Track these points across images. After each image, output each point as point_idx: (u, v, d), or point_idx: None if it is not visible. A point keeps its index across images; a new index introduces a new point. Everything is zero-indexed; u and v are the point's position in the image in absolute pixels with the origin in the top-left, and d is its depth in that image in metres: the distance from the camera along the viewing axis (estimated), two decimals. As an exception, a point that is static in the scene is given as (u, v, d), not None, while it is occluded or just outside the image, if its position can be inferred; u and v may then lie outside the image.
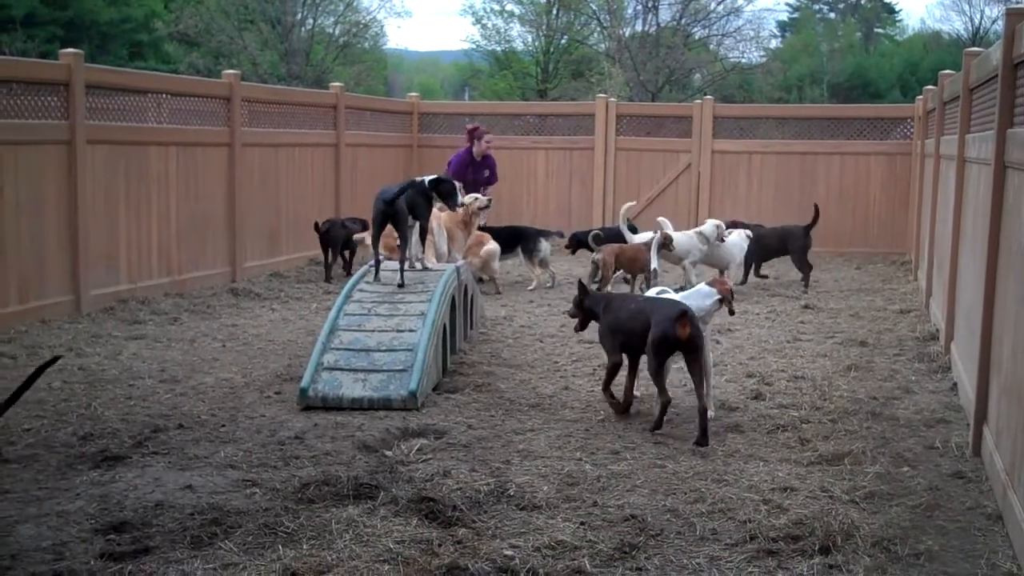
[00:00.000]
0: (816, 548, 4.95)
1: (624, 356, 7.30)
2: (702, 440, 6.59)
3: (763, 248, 13.58)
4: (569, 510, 5.45)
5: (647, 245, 11.80)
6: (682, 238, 12.51)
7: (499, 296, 12.53)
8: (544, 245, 13.33)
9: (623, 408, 7.33)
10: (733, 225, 13.31)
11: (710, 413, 7.23)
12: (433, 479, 5.86)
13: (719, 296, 7.20)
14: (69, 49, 10.94)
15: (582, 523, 5.27)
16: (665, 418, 6.99)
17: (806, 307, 12.03)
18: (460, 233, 12.04)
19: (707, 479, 5.95)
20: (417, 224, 9.27)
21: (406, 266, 8.94)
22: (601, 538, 5.07)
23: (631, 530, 5.18)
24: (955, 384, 8.17)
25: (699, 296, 7.24)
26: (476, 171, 14.29)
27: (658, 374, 6.87)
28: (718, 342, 9.77)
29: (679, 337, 6.63)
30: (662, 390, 6.88)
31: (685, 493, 5.72)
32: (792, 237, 13.64)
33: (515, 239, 13.46)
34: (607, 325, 7.31)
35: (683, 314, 6.65)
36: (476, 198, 12.21)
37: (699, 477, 5.99)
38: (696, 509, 5.48)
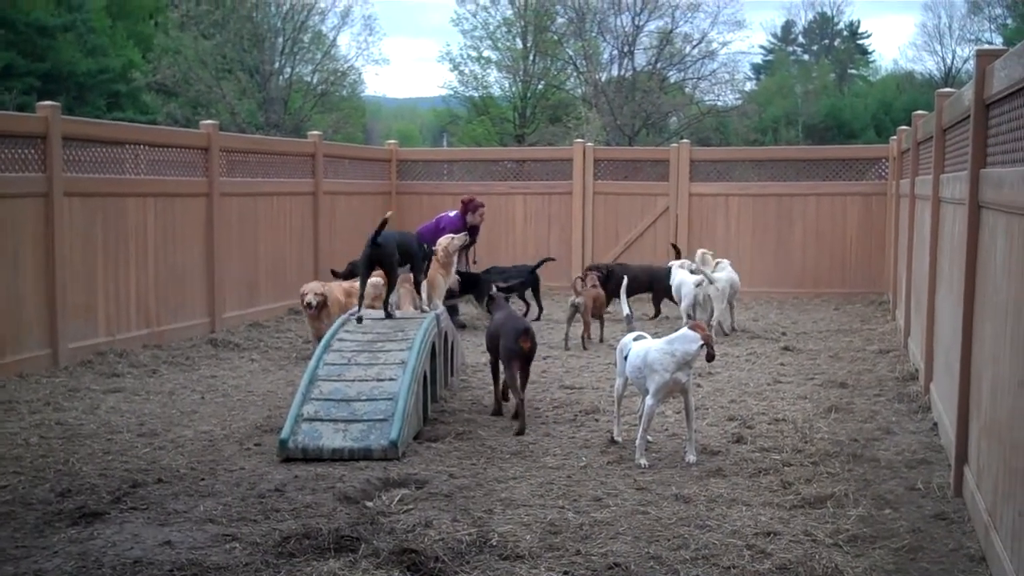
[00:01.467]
0: (800, 593, 4.93)
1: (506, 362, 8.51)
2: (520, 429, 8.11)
3: (629, 285, 13.77)
4: (552, 559, 5.42)
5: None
6: None
7: (480, 344, 12.49)
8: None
9: (493, 410, 8.82)
10: (590, 270, 13.89)
11: (691, 458, 7.25)
12: (415, 530, 5.82)
13: (701, 341, 7.20)
14: (46, 102, 10.94)
15: (565, 572, 5.23)
16: (643, 458, 6.98)
17: (786, 349, 12.06)
18: (441, 279, 11.97)
19: (690, 525, 5.93)
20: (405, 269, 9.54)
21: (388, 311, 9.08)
22: (585, 587, 5.03)
23: (615, 578, 5.14)
24: (935, 424, 8.19)
25: (684, 341, 7.24)
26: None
27: (511, 378, 8.42)
28: (699, 385, 9.77)
29: (523, 349, 8.33)
30: (513, 390, 8.39)
31: (668, 540, 5.69)
32: (657, 277, 14.05)
33: (469, 286, 13.68)
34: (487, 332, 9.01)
35: (525, 331, 8.39)
36: (452, 238, 12.17)
37: (682, 523, 5.97)
38: (680, 556, 5.45)
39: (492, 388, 9.03)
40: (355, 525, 5.89)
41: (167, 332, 12.33)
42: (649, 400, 7.30)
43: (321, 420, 7.56)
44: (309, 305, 10.99)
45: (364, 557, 5.41)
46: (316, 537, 5.64)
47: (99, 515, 6.12)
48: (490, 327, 8.99)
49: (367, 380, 7.98)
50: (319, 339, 10.08)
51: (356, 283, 9.78)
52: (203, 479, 6.89)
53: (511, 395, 8.54)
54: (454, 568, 5.27)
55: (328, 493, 6.55)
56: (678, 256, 14.42)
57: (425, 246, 10.16)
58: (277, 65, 43.24)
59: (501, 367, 8.69)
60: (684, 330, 7.33)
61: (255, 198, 14.42)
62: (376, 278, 10.13)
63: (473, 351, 11.81)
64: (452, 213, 14.46)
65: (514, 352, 8.34)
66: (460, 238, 12.09)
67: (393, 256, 9.09)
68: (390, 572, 5.22)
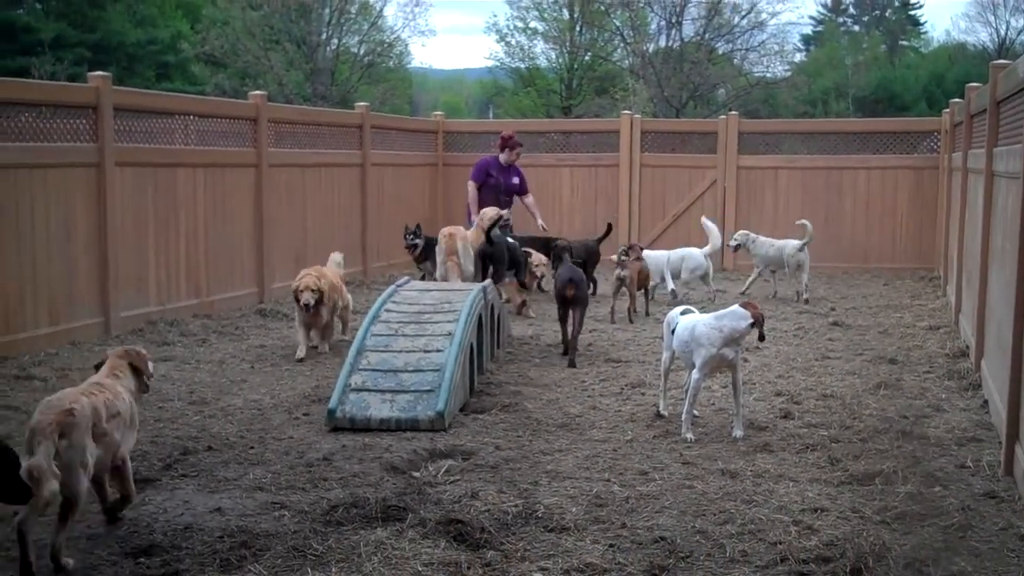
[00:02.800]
0: (847, 570, 4.91)
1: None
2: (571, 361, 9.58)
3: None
4: (598, 532, 5.43)
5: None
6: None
7: (526, 318, 12.51)
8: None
9: (562, 352, 10.06)
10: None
11: (738, 433, 7.23)
12: (461, 501, 5.85)
13: (751, 320, 7.15)
14: (97, 72, 11.04)
15: (611, 545, 5.25)
16: (690, 432, 7.00)
17: (835, 324, 11.97)
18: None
19: (736, 500, 5.92)
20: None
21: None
22: (630, 560, 5.05)
23: (660, 552, 5.15)
24: (986, 401, 8.10)
25: (734, 317, 7.18)
26: (503, 174, 14.23)
27: (561, 319, 10.13)
28: (746, 360, 9.73)
29: (567, 296, 9.82)
30: (563, 330, 10.14)
31: (714, 514, 5.69)
32: (592, 252, 14.01)
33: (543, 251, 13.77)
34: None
35: (570, 280, 9.85)
36: (496, 211, 12.17)
37: (728, 498, 5.96)
38: (726, 531, 5.45)
39: (536, 361, 9.12)
40: (402, 495, 5.94)
41: (216, 302, 12.45)
42: (695, 374, 7.29)
43: (368, 390, 7.62)
44: (307, 306, 9.83)
45: (411, 527, 5.45)
46: (363, 506, 5.69)
47: (150, 481, 6.22)
48: (555, 279, 10.63)
49: (414, 351, 8.02)
50: (309, 330, 10.10)
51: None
52: (252, 447, 6.97)
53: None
54: (500, 539, 5.30)
55: (375, 463, 6.60)
56: (608, 233, 14.51)
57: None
58: (324, 36, 43.31)
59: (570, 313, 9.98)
60: (735, 307, 7.28)
61: (303, 169, 14.49)
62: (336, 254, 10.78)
63: (520, 323, 11.82)
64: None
65: (561, 297, 9.93)
66: (493, 212, 12.13)
67: (503, 255, 11.31)
68: (436, 542, 5.26)
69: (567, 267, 10.34)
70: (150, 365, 5.87)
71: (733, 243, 14.61)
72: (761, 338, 7.38)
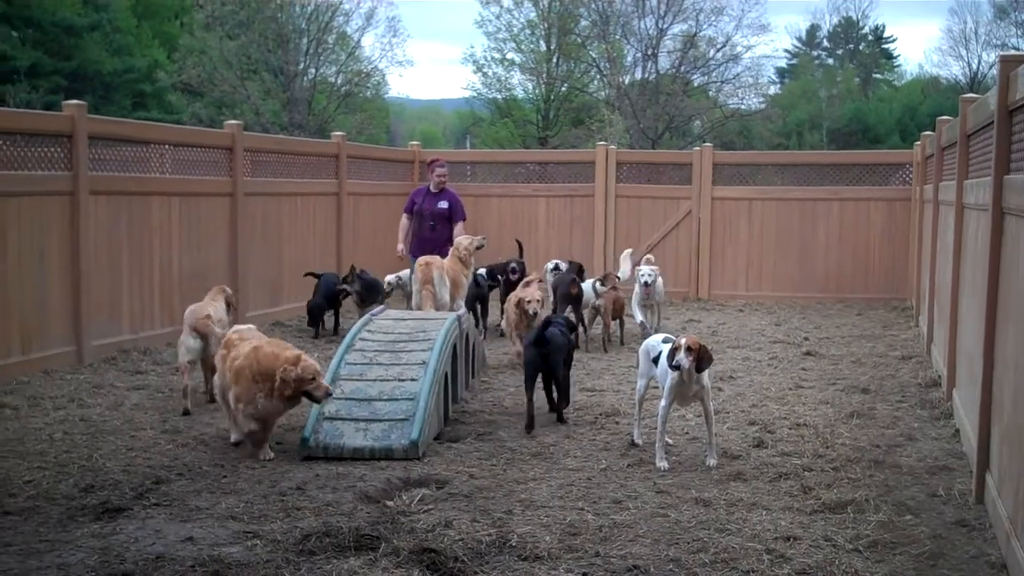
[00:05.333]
0: (820, 598, 4.92)
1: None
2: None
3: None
4: (571, 560, 5.43)
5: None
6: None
7: (501, 346, 12.51)
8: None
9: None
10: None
11: (712, 461, 7.26)
12: (435, 530, 5.84)
13: (673, 347, 7.27)
14: (72, 101, 11.03)
15: (584, 574, 5.25)
16: (664, 461, 7.02)
17: (808, 354, 12.03)
18: (464, 279, 11.94)
19: (710, 528, 5.93)
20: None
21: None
22: (603, 589, 5.04)
23: (634, 581, 5.15)
24: (957, 431, 8.15)
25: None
26: (430, 201, 12.95)
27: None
28: (720, 389, 9.77)
29: (572, 293, 11.73)
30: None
31: (688, 543, 5.70)
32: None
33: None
34: None
35: (573, 280, 11.86)
36: (471, 238, 12.10)
37: (702, 526, 5.97)
38: (699, 559, 5.45)
39: (511, 390, 9.07)
40: (375, 524, 5.92)
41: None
42: (662, 402, 7.37)
43: (342, 419, 7.60)
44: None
45: (384, 556, 5.43)
46: (336, 535, 5.67)
47: (122, 510, 6.18)
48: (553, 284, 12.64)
49: (388, 380, 8.01)
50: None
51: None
52: (225, 476, 6.94)
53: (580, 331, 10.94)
54: (473, 568, 5.29)
55: (349, 492, 6.58)
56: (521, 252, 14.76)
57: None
58: (301, 66, 43.39)
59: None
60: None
61: (278, 198, 14.48)
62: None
63: (495, 352, 11.82)
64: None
65: (566, 296, 11.81)
66: (478, 240, 12.09)
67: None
68: (410, 571, 5.24)
69: (560, 275, 11.98)
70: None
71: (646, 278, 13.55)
72: (676, 366, 7.25)
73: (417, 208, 12.96)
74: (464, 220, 13.07)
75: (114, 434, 8.02)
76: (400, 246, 13.06)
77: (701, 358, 7.17)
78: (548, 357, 8.43)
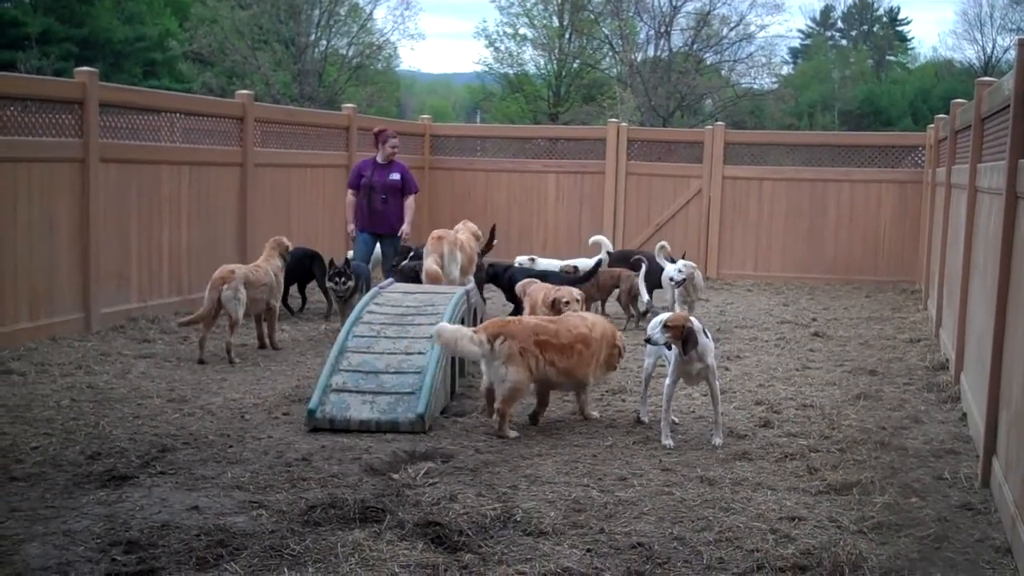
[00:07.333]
0: (824, 579, 4.92)
1: None
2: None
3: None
4: (576, 536, 5.43)
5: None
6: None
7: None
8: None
9: None
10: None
11: (718, 441, 7.25)
12: (440, 503, 5.84)
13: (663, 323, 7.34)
14: (84, 67, 11.00)
15: (588, 550, 5.25)
16: (669, 439, 7.03)
17: (816, 335, 12.01)
18: (476, 257, 11.92)
19: (715, 507, 5.93)
20: None
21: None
22: (608, 565, 5.05)
23: (638, 558, 5.16)
24: (964, 415, 8.14)
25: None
26: (380, 173, 12.39)
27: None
28: (727, 369, 9.76)
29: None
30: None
31: (692, 521, 5.70)
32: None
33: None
34: None
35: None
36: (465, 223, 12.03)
37: (707, 505, 5.97)
38: (703, 537, 5.45)
39: None
40: (380, 496, 5.93)
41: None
42: (667, 381, 7.38)
43: (349, 391, 7.60)
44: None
45: (389, 528, 5.44)
46: (342, 507, 5.68)
47: (128, 478, 6.19)
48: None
49: (396, 353, 8.01)
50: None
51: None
52: (231, 446, 6.95)
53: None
54: (478, 542, 5.29)
55: (354, 464, 6.59)
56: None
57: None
58: (313, 37, 43.34)
59: None
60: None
61: (288, 169, 14.46)
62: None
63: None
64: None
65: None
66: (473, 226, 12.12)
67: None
68: (414, 544, 5.25)
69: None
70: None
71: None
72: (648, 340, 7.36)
73: (366, 181, 12.34)
74: (416, 192, 12.62)
75: (121, 402, 8.04)
76: (351, 226, 12.55)
77: (686, 340, 7.13)
78: None
